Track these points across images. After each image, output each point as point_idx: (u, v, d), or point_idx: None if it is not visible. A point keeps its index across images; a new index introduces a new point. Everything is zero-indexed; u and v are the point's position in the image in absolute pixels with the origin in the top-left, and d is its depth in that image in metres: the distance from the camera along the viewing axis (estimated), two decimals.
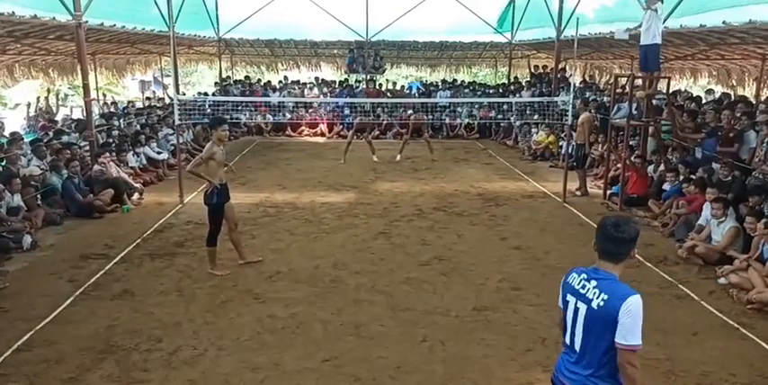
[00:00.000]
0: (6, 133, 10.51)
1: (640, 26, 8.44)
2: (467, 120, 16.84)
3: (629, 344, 2.38)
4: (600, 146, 11.03)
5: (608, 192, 9.44)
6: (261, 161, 12.86)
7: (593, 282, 2.50)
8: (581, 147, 9.95)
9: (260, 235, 7.47)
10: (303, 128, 17.00)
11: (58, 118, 13.79)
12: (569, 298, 2.60)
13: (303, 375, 4.24)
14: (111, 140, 11.06)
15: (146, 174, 10.61)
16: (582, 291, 2.53)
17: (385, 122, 15.94)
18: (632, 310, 2.37)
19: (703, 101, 11.94)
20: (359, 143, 13.35)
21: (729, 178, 7.61)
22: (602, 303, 2.43)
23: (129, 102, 18.47)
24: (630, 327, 2.37)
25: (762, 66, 11.84)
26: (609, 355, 2.47)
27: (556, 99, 11.68)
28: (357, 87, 18.36)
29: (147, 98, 18.08)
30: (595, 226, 8.41)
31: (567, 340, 2.62)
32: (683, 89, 15.03)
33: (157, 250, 6.88)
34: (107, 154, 9.49)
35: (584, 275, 2.56)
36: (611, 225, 2.50)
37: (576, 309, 2.55)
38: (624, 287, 2.45)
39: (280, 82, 19.47)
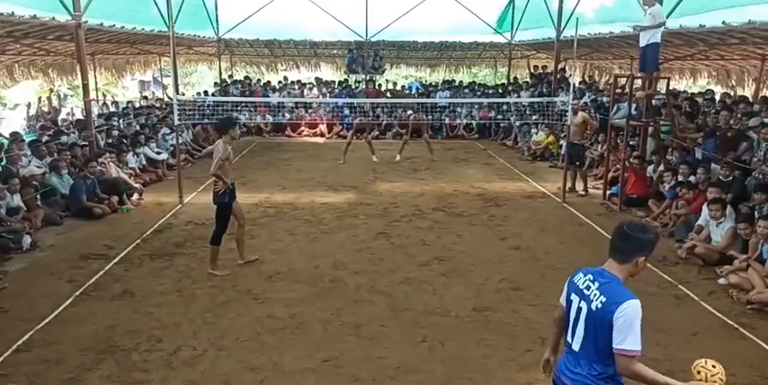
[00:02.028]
0: (6, 133, 10.52)
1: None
2: (466, 121, 16.84)
3: (623, 348, 2.35)
4: (600, 146, 11.04)
5: (608, 192, 9.44)
6: (260, 161, 12.86)
7: (597, 284, 2.51)
8: (579, 147, 9.95)
9: (260, 235, 7.48)
10: (303, 128, 17.00)
11: (61, 118, 13.80)
12: (573, 297, 2.62)
13: (303, 375, 4.24)
14: (110, 141, 11.08)
15: (145, 174, 10.61)
16: (586, 292, 2.54)
17: (385, 123, 15.94)
18: (627, 314, 2.35)
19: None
20: (358, 143, 13.35)
21: (730, 178, 7.62)
22: (599, 305, 2.45)
23: (127, 102, 18.47)
24: (625, 331, 2.35)
25: (761, 66, 11.85)
26: (608, 357, 2.47)
27: (555, 99, 11.70)
28: (356, 88, 18.35)
29: (144, 97, 18.06)
30: (595, 226, 8.37)
31: (569, 339, 2.63)
32: (681, 89, 15.05)
33: (157, 250, 6.88)
34: (107, 154, 9.50)
35: (589, 276, 2.58)
36: (627, 223, 2.52)
37: (579, 309, 2.56)
38: (624, 291, 2.45)
39: (279, 82, 19.46)
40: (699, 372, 2.57)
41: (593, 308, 2.46)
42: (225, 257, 6.60)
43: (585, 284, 2.56)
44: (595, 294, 2.48)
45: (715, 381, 2.53)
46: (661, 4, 8.59)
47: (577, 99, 12.26)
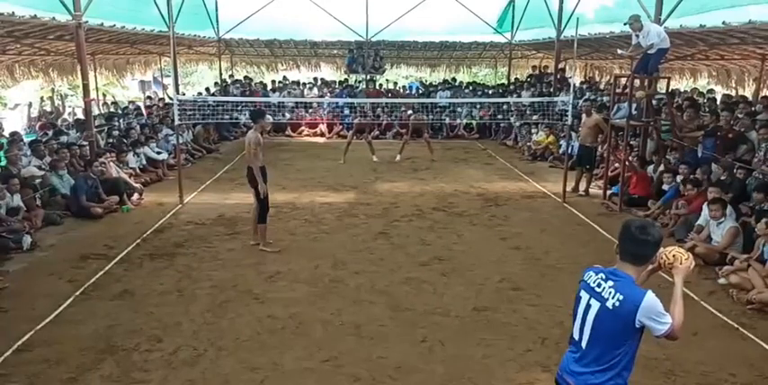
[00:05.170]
0: (6, 133, 10.52)
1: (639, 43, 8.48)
2: (466, 121, 16.84)
3: (664, 330, 2.44)
4: (600, 146, 11.03)
5: (608, 192, 9.45)
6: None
7: (610, 283, 2.52)
8: (591, 150, 9.94)
9: None
10: (303, 128, 17.00)
11: (62, 117, 13.80)
12: (582, 294, 2.63)
13: (303, 375, 4.24)
14: (111, 141, 11.08)
15: (145, 174, 10.61)
16: (597, 290, 2.55)
17: (385, 123, 15.94)
18: (649, 309, 2.43)
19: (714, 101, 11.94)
20: (359, 143, 13.35)
21: (729, 178, 7.62)
22: (617, 304, 2.46)
23: (129, 102, 18.47)
24: (657, 319, 2.43)
25: (761, 66, 11.86)
26: (615, 355, 2.49)
27: (556, 99, 11.70)
28: (357, 87, 18.35)
29: (148, 97, 18.07)
30: (595, 226, 8.37)
31: (576, 336, 2.64)
32: (682, 89, 15.07)
33: (157, 250, 6.88)
34: (107, 154, 9.50)
35: (601, 275, 2.59)
36: (637, 227, 2.52)
37: (588, 306, 2.57)
38: (638, 289, 2.49)
39: (279, 82, 19.43)
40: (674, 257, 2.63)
41: (610, 307, 2.47)
42: (225, 258, 6.62)
43: (597, 282, 2.57)
44: (610, 292, 2.49)
45: (681, 256, 2.62)
46: (659, 24, 8.64)
47: (590, 100, 12.25)
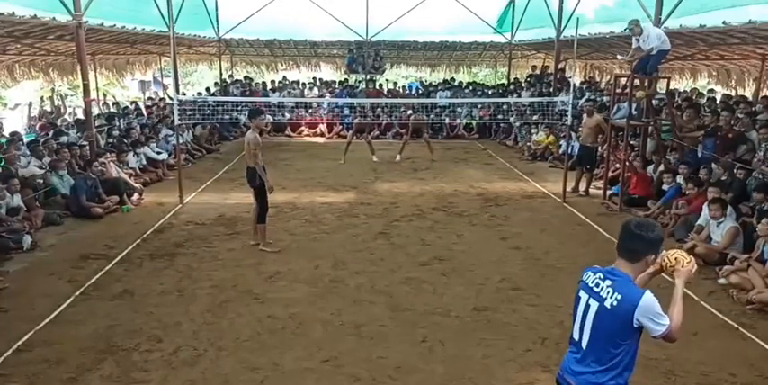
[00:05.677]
0: (6, 133, 10.52)
1: (639, 46, 8.48)
2: (466, 121, 16.84)
3: (662, 331, 2.45)
4: (600, 146, 11.03)
5: (608, 192, 9.45)
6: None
7: (608, 282, 2.53)
8: (592, 150, 9.94)
9: None
10: (303, 128, 17.00)
11: (62, 118, 13.79)
12: (581, 294, 2.64)
13: (303, 375, 4.24)
14: (111, 141, 11.08)
15: (145, 174, 10.61)
16: (595, 289, 2.56)
17: (385, 122, 15.94)
18: (647, 309, 2.43)
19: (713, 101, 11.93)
20: (359, 143, 13.35)
21: (729, 178, 7.62)
22: (615, 303, 2.47)
23: (131, 102, 18.46)
24: (655, 319, 2.44)
25: (761, 66, 11.85)
26: (615, 355, 2.50)
27: (556, 99, 11.70)
28: (357, 87, 18.34)
29: (150, 98, 18.09)
30: (595, 226, 8.38)
31: (576, 336, 2.64)
32: (682, 89, 15.07)
33: (157, 250, 6.88)
34: (107, 154, 9.51)
35: (599, 274, 2.60)
36: (634, 223, 2.55)
37: (588, 306, 2.58)
38: (636, 289, 2.50)
39: (279, 82, 19.44)
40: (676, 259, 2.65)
41: (608, 306, 2.48)
42: (225, 257, 6.62)
43: (595, 282, 2.58)
44: (608, 292, 2.50)
45: (683, 259, 2.64)
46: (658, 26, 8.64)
47: (591, 100, 12.23)
